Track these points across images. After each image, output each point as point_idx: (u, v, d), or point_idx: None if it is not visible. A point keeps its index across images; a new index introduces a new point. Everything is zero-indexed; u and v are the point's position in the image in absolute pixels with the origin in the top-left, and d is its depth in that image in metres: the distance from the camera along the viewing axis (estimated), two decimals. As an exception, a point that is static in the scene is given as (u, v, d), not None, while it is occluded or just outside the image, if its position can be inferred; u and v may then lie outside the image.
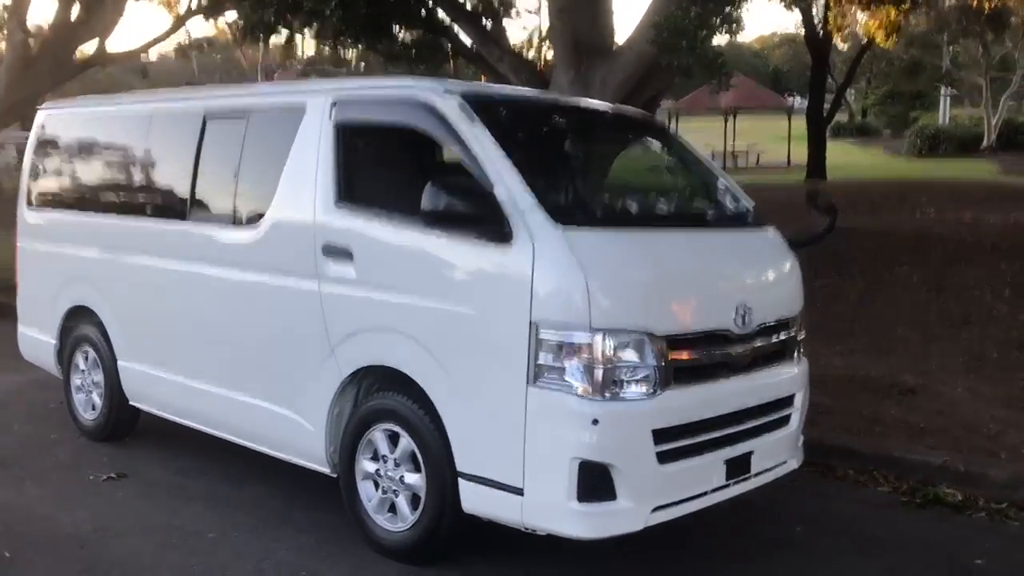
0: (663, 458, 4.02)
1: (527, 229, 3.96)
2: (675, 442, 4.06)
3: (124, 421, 6.26)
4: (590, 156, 5.44)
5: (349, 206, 4.63)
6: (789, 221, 5.36)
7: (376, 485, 4.57)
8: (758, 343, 4.46)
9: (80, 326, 6.42)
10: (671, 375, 4.04)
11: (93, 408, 6.40)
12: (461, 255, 4.17)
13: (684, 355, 4.12)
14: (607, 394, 3.89)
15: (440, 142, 4.33)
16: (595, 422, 3.84)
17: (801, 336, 4.86)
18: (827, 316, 9.42)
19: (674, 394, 4.04)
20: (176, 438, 6.03)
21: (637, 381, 3.95)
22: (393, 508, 4.52)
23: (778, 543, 4.86)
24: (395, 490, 4.50)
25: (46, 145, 6.87)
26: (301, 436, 4.89)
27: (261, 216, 5.04)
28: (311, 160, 4.82)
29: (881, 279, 10.51)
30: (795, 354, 4.83)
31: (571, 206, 4.39)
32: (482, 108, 4.40)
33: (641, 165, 5.68)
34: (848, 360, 7.90)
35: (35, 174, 6.92)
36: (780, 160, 33.76)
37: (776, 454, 4.67)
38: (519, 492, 3.98)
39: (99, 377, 6.29)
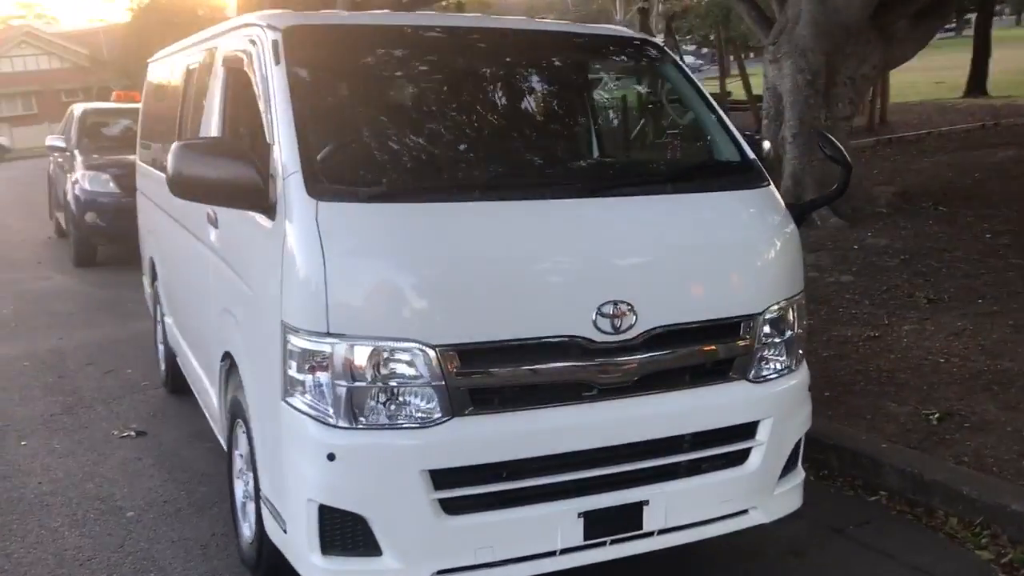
0: (452, 508, 3.00)
1: (285, 201, 3.09)
2: (472, 487, 3.01)
3: (178, 376, 6.19)
4: (465, 103, 4.06)
5: (221, 165, 4.01)
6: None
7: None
8: (652, 354, 3.19)
9: (157, 278, 6.44)
10: (466, 399, 2.98)
11: (162, 359, 6.43)
12: (250, 230, 3.39)
13: (491, 372, 3.01)
14: (357, 421, 2.95)
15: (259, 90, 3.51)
16: (331, 457, 2.93)
17: (781, 339, 3.45)
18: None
19: (469, 424, 2.98)
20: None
21: (404, 405, 2.96)
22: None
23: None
24: (248, 496, 3.90)
25: (145, 94, 6.94)
26: (217, 415, 4.44)
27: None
28: (212, 111, 4.27)
29: None
30: (770, 366, 3.45)
31: (359, 172, 3.21)
32: (307, 45, 3.52)
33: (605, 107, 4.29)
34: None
35: (140, 123, 7.04)
36: None
37: (713, 504, 3.38)
38: (285, 529, 3.20)
39: (162, 330, 6.28)
